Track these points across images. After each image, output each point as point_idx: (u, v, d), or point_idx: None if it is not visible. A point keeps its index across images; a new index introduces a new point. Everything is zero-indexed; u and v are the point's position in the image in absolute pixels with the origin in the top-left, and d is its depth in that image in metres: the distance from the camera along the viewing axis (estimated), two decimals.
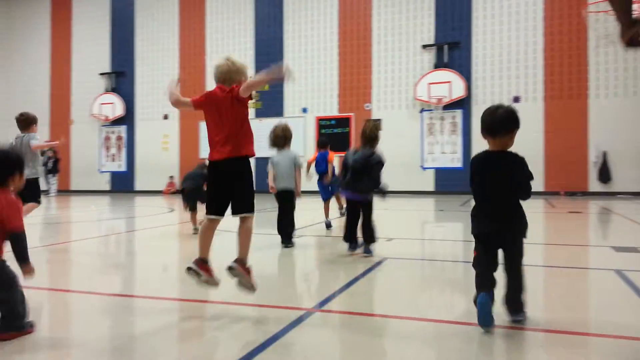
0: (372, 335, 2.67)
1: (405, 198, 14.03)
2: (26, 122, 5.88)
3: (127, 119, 19.73)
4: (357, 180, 4.52)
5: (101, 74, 20.06)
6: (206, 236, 3.11)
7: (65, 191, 19.83)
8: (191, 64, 18.96)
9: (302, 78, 17.51)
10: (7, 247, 2.56)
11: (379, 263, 4.58)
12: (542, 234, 6.47)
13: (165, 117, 19.30)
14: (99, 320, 2.96)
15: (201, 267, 3.04)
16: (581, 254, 5.21)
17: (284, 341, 2.50)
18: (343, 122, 17.03)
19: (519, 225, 2.79)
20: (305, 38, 17.52)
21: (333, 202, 7.58)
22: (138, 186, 19.43)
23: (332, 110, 17.23)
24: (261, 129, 17.85)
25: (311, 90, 17.47)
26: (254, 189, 3.17)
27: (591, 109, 14.45)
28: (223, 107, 3.06)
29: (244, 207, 3.07)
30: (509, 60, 15.41)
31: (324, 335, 2.66)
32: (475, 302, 2.66)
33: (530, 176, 2.76)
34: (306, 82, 17.47)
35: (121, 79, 19.88)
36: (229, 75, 3.18)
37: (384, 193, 4.73)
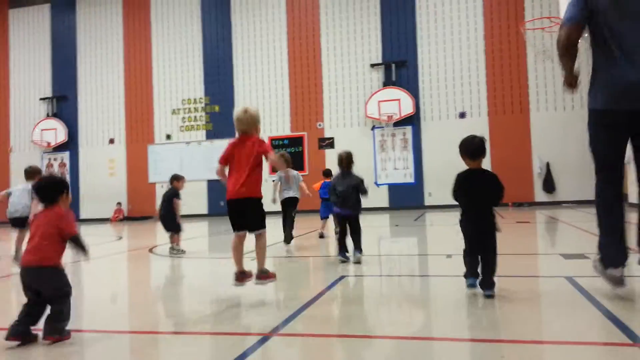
0: (329, 357, 2.57)
1: (361, 214, 14.04)
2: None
3: (70, 145, 18.98)
4: (347, 201, 5.40)
5: (42, 98, 19.26)
6: (237, 250, 3.85)
7: (6, 223, 18.72)
8: (137, 86, 18.53)
9: (254, 98, 17.43)
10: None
11: (337, 281, 4.51)
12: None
13: (111, 141, 18.70)
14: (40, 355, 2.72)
15: (240, 280, 3.83)
16: (532, 262, 5.32)
17: None
18: (296, 141, 17.02)
19: (494, 226, 3.67)
20: (255, 58, 17.51)
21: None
22: (84, 214, 18.60)
23: (284, 129, 17.20)
24: (212, 150, 17.75)
25: (262, 110, 17.39)
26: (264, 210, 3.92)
27: (533, 122, 15.10)
28: (244, 157, 3.80)
29: (257, 227, 3.87)
30: (454, 77, 15.94)
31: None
32: (465, 278, 3.73)
33: (502, 187, 3.63)
34: (257, 102, 17.40)
35: (63, 103, 19.16)
36: (249, 126, 3.90)
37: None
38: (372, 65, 16.53)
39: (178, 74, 18.22)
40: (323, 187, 8.25)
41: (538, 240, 7.67)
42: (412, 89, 16.13)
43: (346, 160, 5.53)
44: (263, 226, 3.84)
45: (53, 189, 3.13)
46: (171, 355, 2.78)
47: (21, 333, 2.81)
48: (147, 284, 5.29)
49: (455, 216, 10.13)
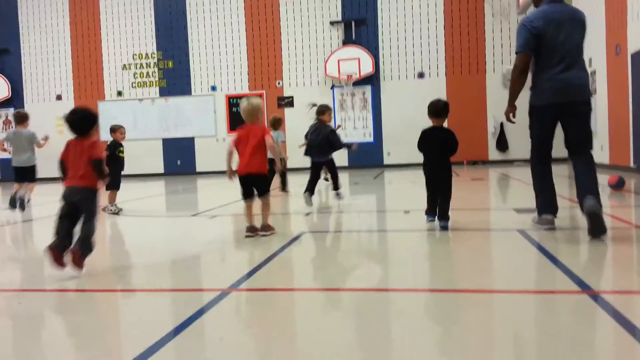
0: (288, 310, 2.59)
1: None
2: (22, 118, 7.58)
3: (15, 101, 17.90)
4: (317, 148, 6.23)
5: None
6: (248, 213, 4.66)
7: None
8: (85, 40, 17.53)
9: (209, 54, 16.85)
10: None
11: (295, 238, 4.52)
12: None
13: (59, 97, 17.78)
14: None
15: (251, 231, 4.55)
16: (486, 217, 5.49)
17: (198, 324, 2.34)
18: None
19: (450, 172, 4.57)
20: (210, 12, 16.82)
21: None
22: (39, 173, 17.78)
23: (242, 88, 16.81)
24: (167, 108, 17.19)
25: (219, 68, 16.89)
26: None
27: (489, 83, 15.33)
28: (250, 140, 4.53)
29: (262, 194, 4.67)
30: (413, 37, 15.87)
31: (239, 315, 2.54)
32: (426, 214, 4.70)
33: (457, 141, 4.53)
34: (214, 58, 16.85)
35: (5, 57, 17.94)
36: (251, 115, 4.63)
37: (349, 147, 6.72)
38: (332, 23, 16.21)
39: (128, 27, 17.32)
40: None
41: (491, 196, 7.92)
42: (372, 48, 15.98)
43: (318, 109, 6.37)
44: (266, 193, 4.67)
45: (86, 123, 3.56)
46: (128, 312, 2.72)
47: (57, 247, 3.27)
48: (101, 243, 5.14)
49: (412, 175, 10.30)
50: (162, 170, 17.31)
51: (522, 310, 2.41)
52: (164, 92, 17.20)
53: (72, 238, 3.36)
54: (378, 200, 7.87)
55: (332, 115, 6.50)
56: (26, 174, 7.57)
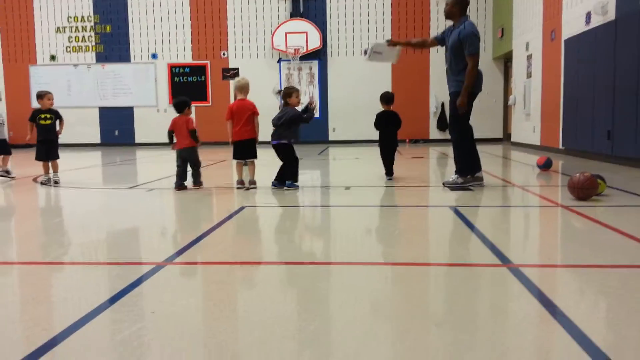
0: (224, 284, 2.60)
1: (264, 148, 14.02)
2: None
3: None
4: (279, 131, 5.83)
5: None
6: (239, 170, 6.04)
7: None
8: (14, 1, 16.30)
9: (150, 20, 16.14)
10: None
11: (237, 212, 4.51)
12: (391, 178, 6.94)
13: None
14: None
15: (240, 184, 5.85)
16: (422, 194, 5.69)
17: (130, 297, 2.31)
18: (198, 70, 16.22)
19: (396, 143, 6.61)
20: None
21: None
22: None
23: (185, 57, 16.27)
24: (104, 75, 16.39)
25: (160, 34, 16.23)
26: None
27: (432, 62, 15.64)
28: (243, 114, 5.79)
29: (251, 157, 5.95)
30: (361, 13, 15.88)
31: (173, 289, 2.53)
32: (386, 175, 6.51)
33: (400, 120, 6.51)
34: (154, 25, 16.16)
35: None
36: (242, 91, 5.91)
37: (308, 107, 5.94)
38: None
39: None
40: None
41: (429, 174, 8.18)
42: (320, 22, 15.86)
43: (285, 91, 6.02)
44: (254, 157, 5.93)
45: (183, 105, 5.95)
46: (58, 285, 2.64)
47: (181, 185, 5.78)
48: (35, 216, 4.92)
49: (356, 151, 10.47)
50: (98, 141, 16.60)
51: (450, 281, 2.55)
52: (101, 57, 16.37)
53: (186, 175, 5.84)
54: (322, 175, 7.94)
55: (299, 95, 5.96)
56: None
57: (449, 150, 12.30)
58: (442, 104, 15.51)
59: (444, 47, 5.72)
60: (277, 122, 5.77)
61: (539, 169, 7.14)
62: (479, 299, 2.32)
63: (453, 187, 5.54)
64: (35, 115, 6.66)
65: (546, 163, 7.07)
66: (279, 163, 5.91)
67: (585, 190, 4.52)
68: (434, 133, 15.82)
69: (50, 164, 6.70)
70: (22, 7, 16.32)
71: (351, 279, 2.61)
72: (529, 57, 12.18)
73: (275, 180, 5.87)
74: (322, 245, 3.46)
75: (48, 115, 6.64)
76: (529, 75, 12.30)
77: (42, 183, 6.62)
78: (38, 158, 6.65)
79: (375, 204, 5.05)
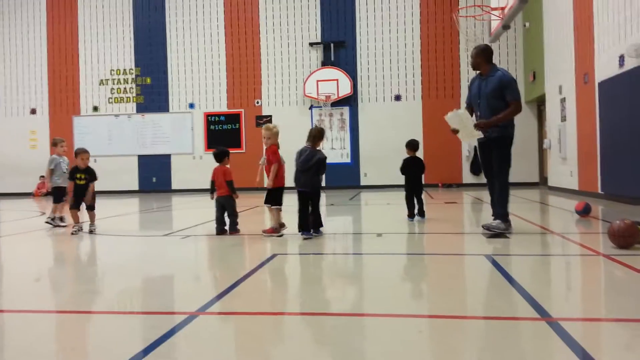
0: (257, 335, 2.59)
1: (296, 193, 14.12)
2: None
3: None
4: (306, 176, 5.65)
5: None
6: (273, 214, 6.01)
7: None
8: (62, 53, 17.38)
9: (188, 72, 16.87)
10: None
11: (269, 259, 4.52)
12: (423, 224, 6.85)
13: (33, 111, 17.51)
14: None
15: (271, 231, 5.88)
16: (456, 241, 5.59)
17: (164, 348, 2.33)
18: (233, 118, 16.71)
19: (421, 186, 7.13)
20: (190, 30, 16.89)
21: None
22: (2, 188, 17.38)
23: (221, 106, 16.83)
24: (144, 125, 17.05)
25: (198, 85, 16.90)
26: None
27: (463, 107, 15.63)
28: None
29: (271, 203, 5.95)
30: (391, 60, 16.19)
31: (206, 339, 2.53)
32: (408, 217, 6.95)
33: (424, 166, 7.13)
34: (192, 76, 16.86)
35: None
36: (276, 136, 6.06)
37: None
38: (311, 44, 16.44)
39: (107, 42, 17.25)
40: None
41: (463, 220, 8.05)
42: (350, 70, 16.24)
43: (314, 132, 5.87)
44: (270, 203, 5.99)
45: (222, 155, 6.23)
46: (96, 334, 2.69)
47: (221, 230, 6.04)
48: (71, 262, 5.06)
49: (388, 196, 10.42)
50: (137, 187, 17.11)
51: (486, 336, 2.47)
52: (141, 108, 17.10)
53: (224, 221, 6.08)
54: (354, 222, 7.92)
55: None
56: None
57: (483, 194, 12.15)
58: (475, 148, 15.41)
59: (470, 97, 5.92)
60: (304, 166, 5.54)
61: (578, 215, 6.92)
62: (516, 356, 2.23)
63: (494, 232, 5.43)
64: (72, 173, 6.68)
65: (585, 209, 6.85)
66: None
67: (627, 239, 4.36)
68: (467, 177, 15.65)
69: (87, 213, 6.70)
70: (69, 60, 17.34)
71: (384, 332, 2.56)
72: (563, 100, 12.07)
73: (309, 230, 5.57)
74: (354, 295, 3.42)
75: (83, 176, 6.61)
76: (563, 119, 12.14)
77: (72, 233, 6.47)
78: (76, 207, 6.62)
79: (408, 252, 4.99)
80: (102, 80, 17.30)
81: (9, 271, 4.59)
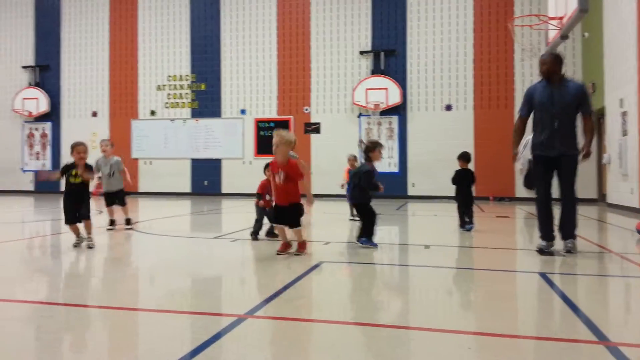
0: (302, 341, 2.61)
1: (341, 201, 14.15)
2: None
3: (52, 115, 18.62)
4: (353, 189, 5.85)
5: (24, 67, 18.81)
6: (281, 233, 5.28)
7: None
8: (122, 59, 18.19)
9: (241, 79, 17.26)
10: None
11: (315, 266, 4.55)
12: (472, 237, 6.70)
13: (94, 114, 18.40)
14: (17, 329, 2.71)
15: (284, 249, 5.21)
16: (507, 257, 5.42)
17: (212, 350, 2.39)
18: (282, 124, 16.95)
19: (472, 196, 7.32)
20: (244, 38, 17.30)
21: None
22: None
23: (271, 112, 17.10)
24: (197, 129, 17.57)
25: (249, 92, 17.26)
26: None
27: (516, 118, 15.20)
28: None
29: (293, 224, 5.18)
30: (442, 69, 15.97)
31: (252, 343, 2.57)
32: (461, 227, 7.21)
33: (475, 177, 7.30)
34: (244, 82, 17.24)
35: (46, 73, 18.73)
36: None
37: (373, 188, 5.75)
38: (362, 53, 16.47)
39: (164, 49, 17.93)
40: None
41: (516, 235, 7.81)
42: (400, 78, 16.14)
43: (365, 146, 5.87)
44: (296, 224, 5.28)
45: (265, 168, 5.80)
46: (145, 333, 2.79)
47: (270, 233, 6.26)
48: (121, 262, 5.27)
49: (436, 208, 10.24)
50: (189, 190, 17.62)
51: (539, 357, 2.38)
52: (196, 113, 17.63)
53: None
54: (400, 232, 7.84)
55: (381, 151, 5.84)
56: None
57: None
58: (529, 161, 14.89)
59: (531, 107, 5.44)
60: (353, 180, 5.78)
61: (639, 234, 6.58)
62: None
63: (571, 251, 5.14)
64: (67, 170, 5.62)
65: None
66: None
67: None
68: (520, 191, 15.15)
69: (83, 224, 5.64)
70: (129, 67, 18.13)
71: (430, 347, 2.52)
72: (624, 114, 11.52)
73: (365, 238, 5.62)
74: (400, 307, 3.38)
75: (74, 172, 5.57)
76: (624, 133, 11.58)
77: (74, 245, 5.65)
78: (67, 221, 5.60)
79: (456, 266, 4.89)
80: (159, 85, 17.98)
81: (62, 269, 4.83)
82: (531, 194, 5.92)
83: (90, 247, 5.56)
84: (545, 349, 2.50)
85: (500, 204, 13.67)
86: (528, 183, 6.06)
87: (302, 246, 5.20)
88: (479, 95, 15.70)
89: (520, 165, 5.74)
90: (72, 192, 5.59)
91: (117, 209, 7.63)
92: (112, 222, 7.40)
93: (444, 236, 6.89)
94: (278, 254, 5.11)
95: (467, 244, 6.11)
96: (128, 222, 7.52)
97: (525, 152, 5.64)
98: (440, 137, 15.58)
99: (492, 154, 15.04)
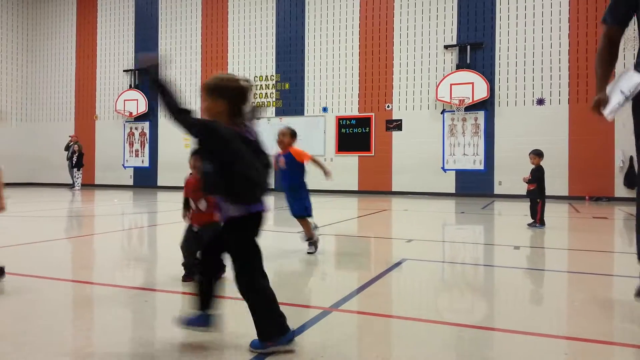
0: (387, 337, 2.65)
1: (426, 199, 13.92)
2: None
3: (150, 116, 20.01)
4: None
5: (125, 70, 20.37)
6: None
7: (89, 185, 20.19)
8: (213, 62, 19.12)
9: (323, 77, 17.50)
10: None
11: (397, 264, 4.56)
12: (566, 239, 6.35)
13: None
14: (121, 313, 3.00)
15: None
16: (605, 260, 5.09)
17: (299, 340, 2.49)
18: (363, 122, 16.97)
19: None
20: (327, 37, 17.51)
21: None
22: (160, 182, 19.68)
23: (352, 110, 17.19)
24: (281, 127, 17.99)
25: (331, 90, 17.45)
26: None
27: (618, 112, 14.09)
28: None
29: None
30: (534, 62, 15.16)
31: (338, 335, 2.65)
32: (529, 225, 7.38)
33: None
34: (327, 81, 17.46)
35: (144, 76, 20.15)
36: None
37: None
38: (446, 47, 16.05)
39: (252, 51, 18.60)
40: None
41: (614, 237, 7.28)
42: (487, 72, 15.53)
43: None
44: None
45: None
46: (231, 319, 2.96)
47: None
48: None
49: (524, 208, 9.75)
50: (272, 187, 18.15)
51: None
52: (279, 112, 18.14)
53: None
54: (485, 232, 7.60)
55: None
56: None
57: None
58: (631, 158, 13.79)
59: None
60: None
61: None
62: None
63: None
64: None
65: None
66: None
67: None
68: (620, 191, 14.04)
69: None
70: (219, 67, 19.03)
71: (521, 350, 2.46)
72: None
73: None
74: (486, 308, 3.31)
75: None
76: None
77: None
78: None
79: (549, 269, 4.67)
80: None
81: (155, 256, 5.21)
82: (632, 193, 5.30)
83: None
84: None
85: (597, 204, 12.76)
86: (628, 182, 5.34)
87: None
88: (574, 88, 14.73)
89: (613, 107, 3.28)
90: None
91: None
92: None
93: (534, 238, 6.58)
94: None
95: (559, 245, 5.81)
96: None
97: (621, 85, 3.22)
98: (532, 132, 14.81)
99: (589, 151, 14.07)
